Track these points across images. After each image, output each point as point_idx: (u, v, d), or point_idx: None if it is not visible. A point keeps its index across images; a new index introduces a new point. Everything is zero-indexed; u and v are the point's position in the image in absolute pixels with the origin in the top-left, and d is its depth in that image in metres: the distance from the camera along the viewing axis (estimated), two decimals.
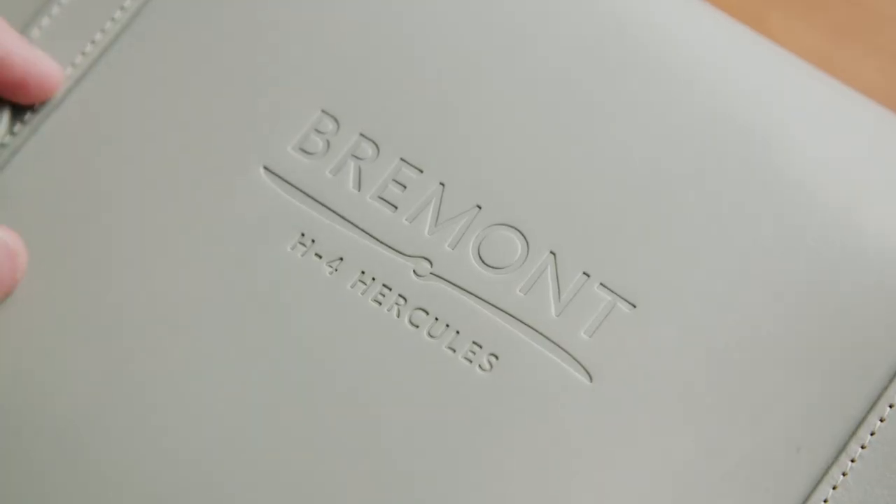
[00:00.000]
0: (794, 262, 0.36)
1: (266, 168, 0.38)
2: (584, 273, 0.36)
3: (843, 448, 0.34)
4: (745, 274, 0.35)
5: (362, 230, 0.37)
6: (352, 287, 0.36)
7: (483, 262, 0.37)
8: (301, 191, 0.37)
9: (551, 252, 0.36)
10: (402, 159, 0.38)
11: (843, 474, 0.34)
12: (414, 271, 0.37)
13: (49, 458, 0.35)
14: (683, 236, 0.36)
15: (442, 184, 0.37)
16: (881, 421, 0.34)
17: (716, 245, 0.36)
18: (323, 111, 0.38)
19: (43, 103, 0.38)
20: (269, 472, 0.35)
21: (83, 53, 0.39)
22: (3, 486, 0.35)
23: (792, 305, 0.35)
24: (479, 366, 0.35)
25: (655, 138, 0.37)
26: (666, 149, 0.37)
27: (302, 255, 0.37)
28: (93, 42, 0.39)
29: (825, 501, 0.34)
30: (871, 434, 0.34)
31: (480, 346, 0.36)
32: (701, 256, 0.36)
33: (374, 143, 0.38)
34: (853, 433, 0.34)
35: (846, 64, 0.41)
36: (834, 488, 0.34)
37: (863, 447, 0.34)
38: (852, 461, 0.34)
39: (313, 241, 0.37)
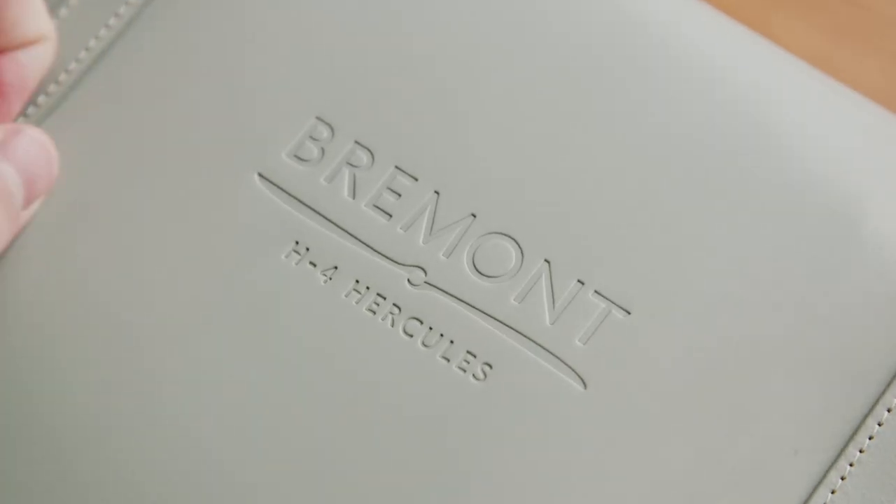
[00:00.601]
0: (791, 266, 0.35)
1: (260, 175, 0.38)
2: (579, 281, 0.36)
3: (841, 452, 0.34)
4: (741, 278, 0.35)
5: (357, 239, 0.37)
6: (346, 296, 0.36)
7: (477, 270, 0.36)
8: (295, 198, 0.37)
9: (546, 260, 0.36)
10: (396, 167, 0.37)
11: (842, 478, 0.34)
12: (408, 280, 0.36)
13: (48, 461, 0.35)
14: (678, 242, 0.36)
15: (437, 192, 0.37)
16: (879, 425, 0.34)
17: (711, 251, 0.35)
18: (318, 118, 0.38)
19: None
20: (263, 480, 0.35)
21: (77, 60, 0.39)
22: (5, 488, 0.36)
23: (789, 309, 0.35)
24: (474, 375, 0.35)
25: (650, 146, 0.37)
26: (660, 156, 0.36)
27: (296, 264, 0.37)
28: (87, 49, 0.39)
29: None
30: (870, 438, 0.34)
31: (474, 356, 0.35)
32: (696, 262, 0.35)
33: (368, 150, 0.38)
34: (851, 437, 0.34)
35: (847, 65, 0.41)
36: (832, 493, 0.33)
37: (861, 451, 0.34)
38: (851, 465, 0.34)
39: (307, 249, 0.37)
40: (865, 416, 0.34)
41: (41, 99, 0.39)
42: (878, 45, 0.41)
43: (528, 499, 0.34)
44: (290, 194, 0.37)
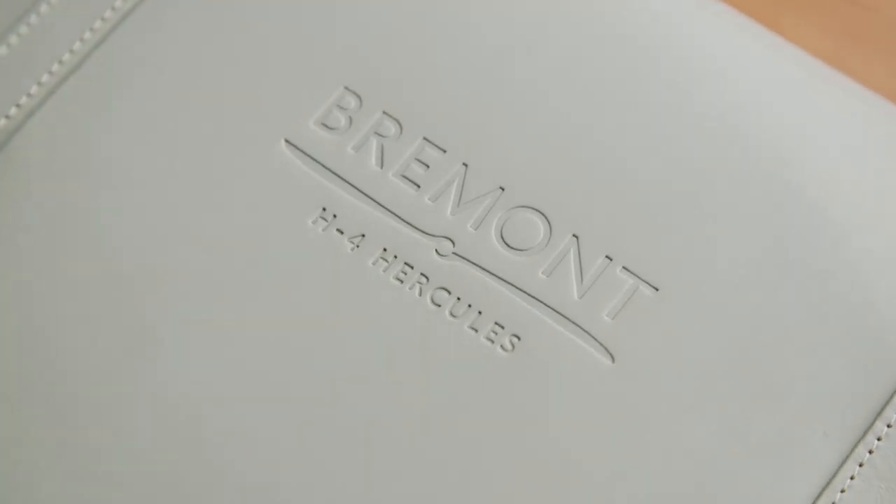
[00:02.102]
0: (815, 252, 0.36)
1: (287, 141, 0.37)
2: (607, 257, 0.36)
3: (868, 428, 0.34)
4: (767, 260, 0.36)
5: (384, 208, 0.37)
6: (373, 264, 0.36)
7: (505, 243, 0.36)
8: (322, 165, 0.37)
9: (574, 235, 0.36)
10: (425, 139, 0.37)
11: (870, 452, 0.34)
12: (436, 251, 0.36)
13: (60, 433, 0.35)
14: (705, 221, 0.36)
15: (465, 164, 0.37)
16: None
17: (738, 231, 0.36)
18: (346, 88, 0.38)
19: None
20: (283, 447, 0.34)
21: (103, 19, 0.39)
22: (13, 459, 0.35)
23: (813, 292, 0.35)
24: (501, 346, 0.35)
25: (679, 126, 0.37)
26: (689, 136, 0.37)
27: (323, 230, 0.36)
28: (113, 8, 0.39)
29: (851, 478, 0.34)
30: None
31: (503, 327, 0.35)
32: (723, 242, 0.36)
33: (397, 121, 0.38)
34: (879, 413, 0.34)
35: (855, 66, 0.42)
36: (860, 465, 0.34)
37: (889, 426, 0.34)
38: (878, 440, 0.34)
39: (335, 216, 0.37)
40: (892, 394, 0.34)
41: (66, 56, 0.38)
42: (885, 46, 0.42)
43: (552, 469, 0.34)
44: (317, 161, 0.37)
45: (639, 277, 0.36)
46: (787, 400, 0.34)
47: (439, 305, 0.36)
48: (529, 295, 0.36)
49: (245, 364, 0.35)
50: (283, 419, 0.35)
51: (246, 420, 0.35)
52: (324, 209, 0.37)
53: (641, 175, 0.37)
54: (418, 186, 0.37)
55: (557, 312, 0.36)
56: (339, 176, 0.37)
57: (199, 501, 0.34)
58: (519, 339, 0.35)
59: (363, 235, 0.36)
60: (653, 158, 0.37)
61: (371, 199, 0.37)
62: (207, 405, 0.35)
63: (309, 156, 0.37)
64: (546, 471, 0.34)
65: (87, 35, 0.38)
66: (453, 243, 0.36)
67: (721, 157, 0.37)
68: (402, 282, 0.36)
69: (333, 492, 0.34)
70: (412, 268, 0.36)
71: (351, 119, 0.38)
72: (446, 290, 0.36)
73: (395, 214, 0.37)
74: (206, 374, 0.35)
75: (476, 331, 0.35)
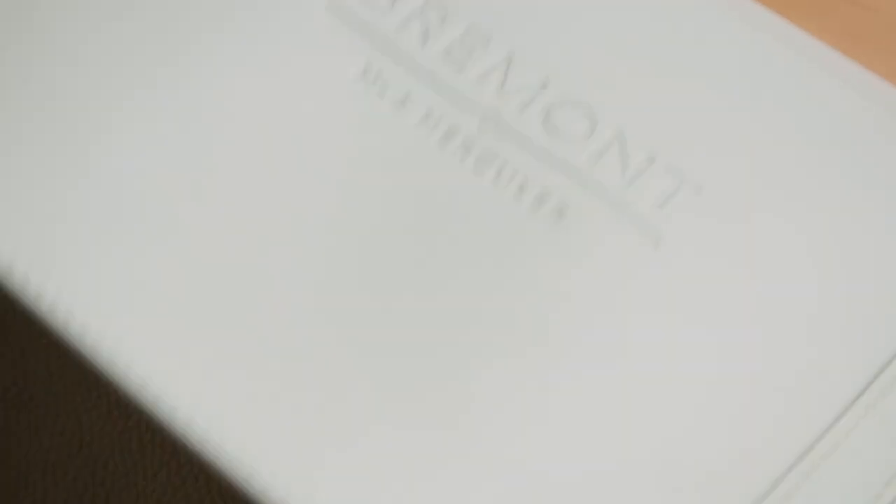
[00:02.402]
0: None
1: (330, 4, 0.36)
2: (652, 154, 0.35)
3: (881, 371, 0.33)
4: (813, 172, 0.35)
5: (428, 77, 0.35)
6: (415, 127, 0.35)
7: (549, 132, 0.35)
8: (365, 28, 0.36)
9: (619, 131, 0.35)
10: (469, 26, 0.37)
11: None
12: (479, 123, 0.35)
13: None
14: (754, 127, 0.36)
15: (509, 54, 0.36)
16: None
17: (784, 141, 0.36)
18: None
19: None
20: (312, 302, 0.32)
21: None
22: None
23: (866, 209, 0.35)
24: (543, 218, 0.34)
25: (726, 30, 0.37)
26: (738, 39, 0.37)
27: (364, 88, 0.35)
28: None
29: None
30: None
31: (544, 201, 0.34)
32: (771, 149, 0.35)
33: (441, 6, 0.37)
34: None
35: None
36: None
37: None
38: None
39: (376, 77, 0.35)
40: None
41: None
42: (885, 46, 0.44)
43: (585, 346, 0.32)
44: (359, 22, 0.36)
45: (683, 175, 0.35)
46: (830, 307, 0.34)
47: (481, 173, 0.34)
48: (572, 175, 0.34)
49: (278, 219, 0.33)
50: (311, 279, 0.32)
51: (272, 267, 0.32)
52: (365, 69, 0.35)
53: (691, 74, 0.36)
54: (461, 70, 0.36)
55: (601, 194, 0.34)
56: (381, 41, 0.36)
57: None
58: (561, 214, 0.34)
59: (405, 98, 0.35)
60: (703, 59, 0.36)
61: (414, 68, 0.35)
62: (238, 247, 0.32)
63: (352, 17, 0.36)
64: (577, 347, 0.32)
65: None
66: (496, 122, 0.35)
67: (768, 63, 0.37)
68: (443, 148, 0.34)
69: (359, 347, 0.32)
70: (454, 135, 0.35)
71: (393, 3, 0.37)
72: (487, 160, 0.34)
73: (438, 83, 0.35)
74: (237, 222, 0.33)
75: (517, 201, 0.34)
